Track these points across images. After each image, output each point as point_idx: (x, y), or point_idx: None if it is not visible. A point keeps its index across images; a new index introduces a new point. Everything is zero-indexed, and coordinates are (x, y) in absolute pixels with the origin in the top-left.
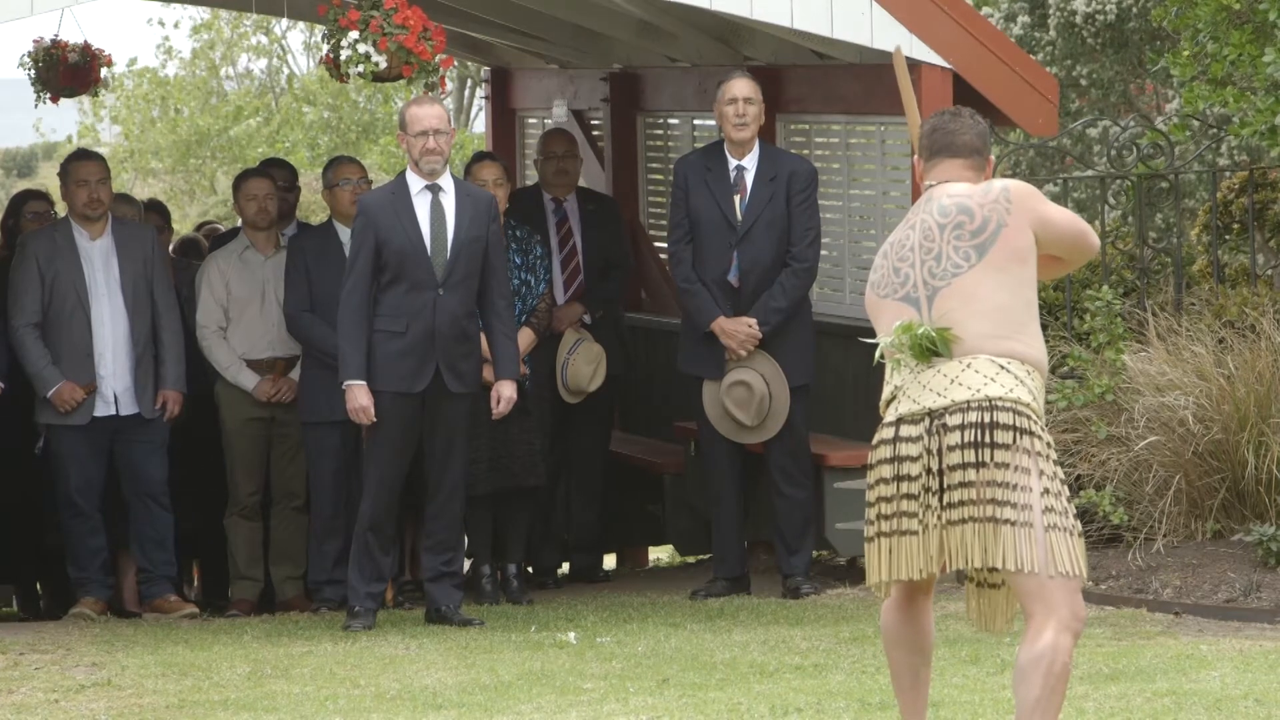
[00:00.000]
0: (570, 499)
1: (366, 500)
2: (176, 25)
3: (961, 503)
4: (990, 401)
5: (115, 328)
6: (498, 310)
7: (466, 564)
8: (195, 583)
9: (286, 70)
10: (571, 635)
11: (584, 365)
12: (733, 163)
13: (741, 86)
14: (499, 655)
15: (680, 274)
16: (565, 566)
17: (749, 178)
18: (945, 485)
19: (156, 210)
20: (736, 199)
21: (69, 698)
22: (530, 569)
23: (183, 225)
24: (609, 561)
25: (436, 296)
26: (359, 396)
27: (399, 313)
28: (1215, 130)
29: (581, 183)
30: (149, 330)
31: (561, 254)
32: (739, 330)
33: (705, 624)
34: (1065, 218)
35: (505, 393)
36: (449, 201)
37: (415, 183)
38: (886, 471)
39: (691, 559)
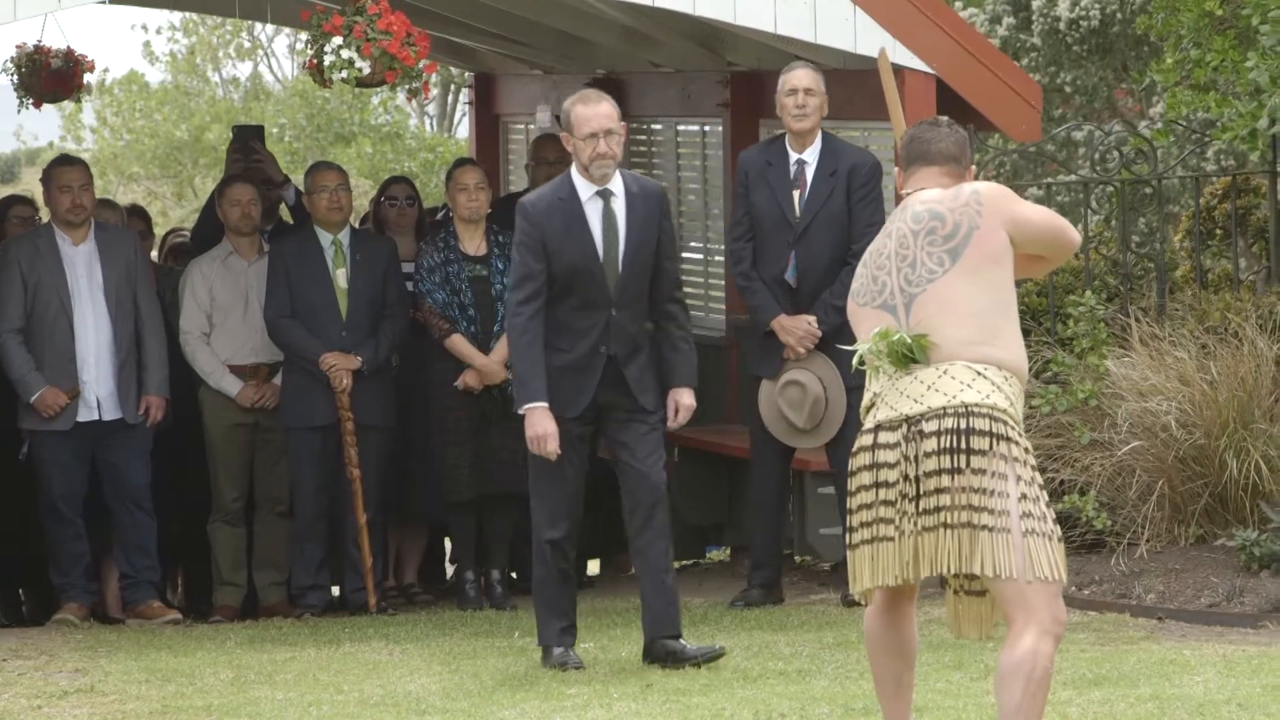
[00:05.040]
0: None
1: (541, 532)
2: (159, 31)
3: (938, 509)
4: (966, 408)
5: (98, 333)
6: (669, 313)
7: (450, 569)
8: (178, 588)
9: (271, 77)
10: None
11: None
12: (793, 156)
13: (802, 77)
14: (482, 661)
15: (740, 271)
16: None
17: (810, 172)
18: (921, 492)
19: (138, 215)
20: (796, 195)
21: (52, 704)
22: (514, 574)
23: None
24: (592, 567)
25: (610, 316)
26: (540, 422)
27: (563, 329)
28: (1199, 135)
29: None
30: (132, 335)
31: None
32: (798, 327)
33: (689, 630)
34: (1040, 215)
35: (685, 401)
36: (620, 206)
37: (585, 188)
38: (866, 478)
39: (675, 564)
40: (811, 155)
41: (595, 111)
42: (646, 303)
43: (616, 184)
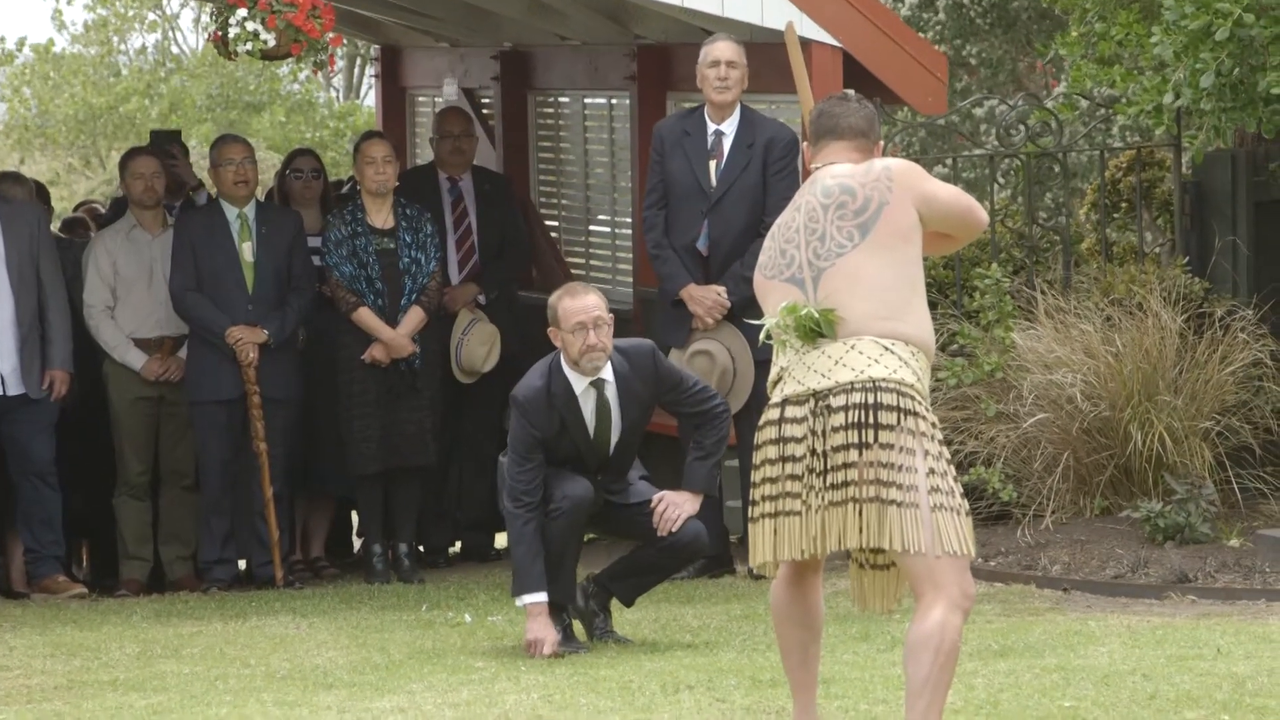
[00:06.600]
0: (462, 478)
1: None
2: (70, 2)
3: (845, 484)
4: (874, 382)
5: (0, 308)
6: (695, 420)
7: (357, 543)
8: (84, 563)
9: (176, 48)
10: (467, 616)
11: (478, 345)
12: (711, 127)
13: (725, 49)
14: (390, 634)
15: (651, 239)
16: (457, 545)
17: (727, 143)
18: (829, 466)
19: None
20: (712, 165)
21: None
22: (421, 548)
23: (71, 203)
24: (500, 540)
25: (596, 479)
26: (540, 627)
27: (547, 482)
28: (1104, 109)
29: (475, 161)
30: (35, 310)
31: (456, 234)
32: (707, 297)
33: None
34: (949, 194)
35: (673, 497)
36: (613, 394)
37: (578, 382)
38: (772, 452)
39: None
40: (730, 126)
41: (582, 304)
42: (635, 460)
43: (607, 370)
